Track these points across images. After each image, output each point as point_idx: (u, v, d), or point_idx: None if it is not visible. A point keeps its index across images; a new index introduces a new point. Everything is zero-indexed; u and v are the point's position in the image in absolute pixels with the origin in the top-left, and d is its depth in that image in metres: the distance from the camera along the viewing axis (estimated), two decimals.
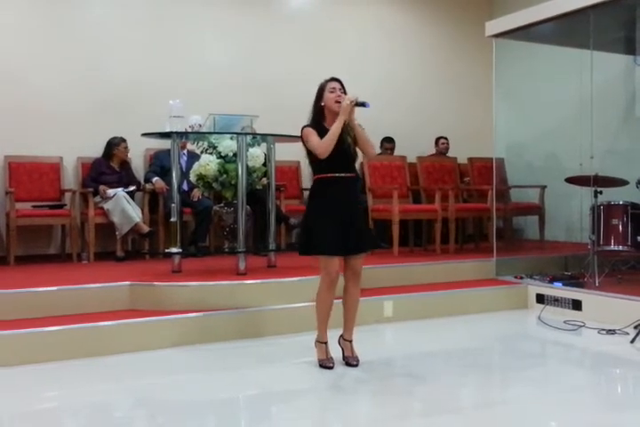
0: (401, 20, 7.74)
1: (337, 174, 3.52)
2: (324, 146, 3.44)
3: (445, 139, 7.43)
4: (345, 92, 3.54)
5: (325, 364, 3.60)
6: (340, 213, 3.50)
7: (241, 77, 6.75)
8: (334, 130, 3.43)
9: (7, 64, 5.95)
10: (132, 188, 5.90)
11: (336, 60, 7.04)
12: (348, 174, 3.56)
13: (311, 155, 3.55)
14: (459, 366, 3.80)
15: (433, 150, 7.45)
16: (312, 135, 3.49)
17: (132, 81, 6.35)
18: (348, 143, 3.51)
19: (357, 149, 3.62)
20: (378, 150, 7.06)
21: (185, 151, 6.10)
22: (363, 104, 3.47)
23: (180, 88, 6.20)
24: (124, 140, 6.02)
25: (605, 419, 2.98)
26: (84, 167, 6.11)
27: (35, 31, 6.09)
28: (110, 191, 5.73)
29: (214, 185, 4.98)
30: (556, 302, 5.08)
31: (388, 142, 7.17)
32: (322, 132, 3.48)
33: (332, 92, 3.52)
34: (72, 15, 6.24)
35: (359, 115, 3.56)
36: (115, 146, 6.00)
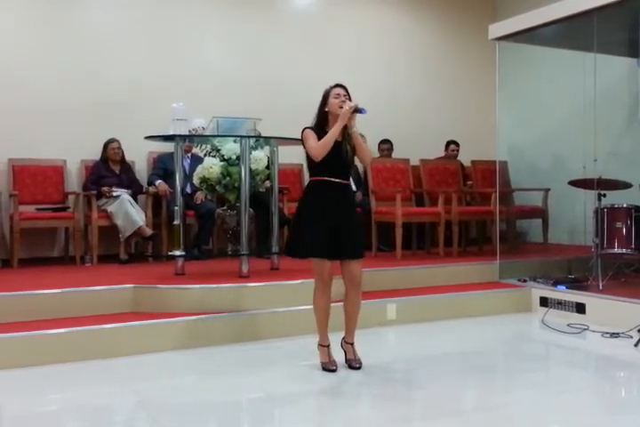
0: (402, 21, 7.74)
1: (331, 179, 3.53)
2: (320, 148, 3.45)
3: (456, 145, 7.32)
4: (350, 99, 3.55)
5: (328, 367, 3.60)
6: (329, 216, 3.50)
7: (241, 79, 6.75)
8: (331, 133, 3.45)
9: (10, 67, 5.96)
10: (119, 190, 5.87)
11: (337, 62, 7.07)
12: (342, 181, 3.57)
13: (309, 157, 3.56)
14: (461, 369, 3.80)
15: (437, 153, 7.41)
16: (311, 137, 3.51)
17: (134, 83, 6.36)
18: (346, 150, 3.53)
19: (355, 158, 3.63)
20: (376, 154, 7.07)
21: (189, 154, 6.10)
22: (360, 111, 3.48)
23: (181, 90, 6.21)
24: (113, 141, 6.02)
25: (608, 422, 2.97)
26: (87, 170, 6.12)
27: (36, 34, 6.10)
28: (115, 190, 5.75)
29: (217, 188, 4.98)
30: (560, 305, 5.07)
31: (384, 144, 7.16)
32: (323, 136, 3.49)
33: (336, 97, 3.53)
34: (73, 17, 6.26)
35: (360, 119, 3.56)
36: (105, 147, 6.03)
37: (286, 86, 6.84)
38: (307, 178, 6.86)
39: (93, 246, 5.78)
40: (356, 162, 3.76)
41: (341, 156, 3.52)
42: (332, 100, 3.54)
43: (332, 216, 3.51)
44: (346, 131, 3.51)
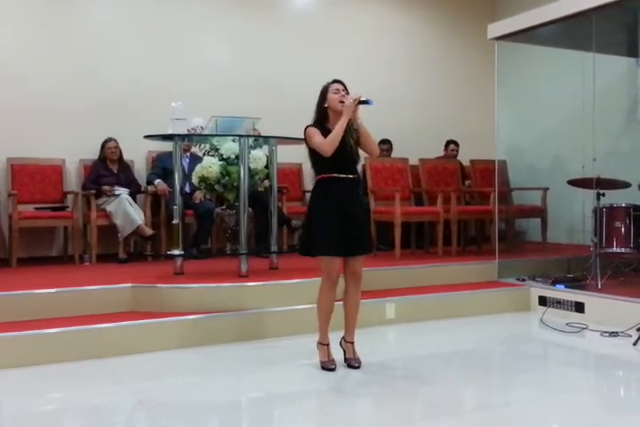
0: (403, 21, 7.75)
1: (339, 175, 3.52)
2: (329, 144, 3.43)
3: (456, 145, 7.33)
4: (348, 94, 3.54)
5: (327, 366, 3.60)
6: (340, 213, 3.50)
7: (241, 79, 6.76)
8: (338, 128, 3.43)
9: (9, 67, 5.97)
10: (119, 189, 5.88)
11: (337, 62, 7.06)
12: (350, 175, 3.56)
13: (314, 155, 3.55)
14: (461, 369, 3.80)
15: (436, 152, 7.42)
16: (315, 134, 3.49)
17: (134, 83, 6.36)
18: (350, 145, 3.51)
19: (359, 151, 3.62)
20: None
21: (187, 153, 6.10)
22: (366, 102, 3.45)
23: (181, 89, 6.21)
24: (110, 141, 6.02)
25: (607, 421, 2.97)
26: (86, 169, 6.12)
27: (36, 34, 6.10)
28: (116, 189, 5.76)
29: (216, 187, 4.99)
30: (559, 304, 5.07)
31: (383, 144, 7.16)
32: (325, 133, 3.48)
33: (335, 93, 3.52)
34: (73, 17, 6.26)
35: (361, 116, 3.55)
36: (102, 147, 6.03)
37: (286, 86, 6.84)
38: (305, 177, 6.97)
39: (92, 246, 5.78)
40: None
41: (345, 150, 3.50)
42: (332, 96, 3.53)
43: (341, 213, 3.50)
44: (349, 125, 3.49)
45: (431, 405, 3.19)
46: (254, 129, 5.05)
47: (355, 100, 3.43)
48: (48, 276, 5.09)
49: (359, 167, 6.65)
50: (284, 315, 4.40)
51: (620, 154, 6.15)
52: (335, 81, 3.58)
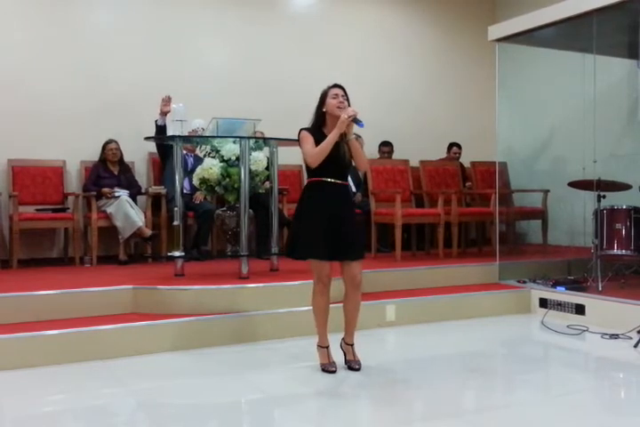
0: (402, 22, 7.76)
1: (329, 179, 3.52)
2: (315, 156, 3.44)
3: (459, 148, 7.35)
4: (348, 99, 3.54)
5: (327, 368, 3.60)
6: (327, 217, 3.49)
7: (242, 80, 6.76)
8: (327, 141, 3.43)
9: (9, 68, 5.97)
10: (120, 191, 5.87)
11: (337, 63, 7.08)
12: (340, 181, 3.56)
13: None
14: (461, 371, 3.80)
15: (437, 154, 7.40)
16: (306, 141, 3.49)
17: (134, 84, 6.36)
18: (344, 151, 3.51)
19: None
20: (376, 155, 7.09)
21: (192, 153, 6.10)
22: (357, 122, 3.44)
23: (182, 91, 6.18)
24: (111, 142, 6.02)
25: (608, 423, 2.97)
26: (86, 171, 6.12)
27: (36, 35, 6.11)
28: (117, 190, 5.76)
29: (217, 189, 4.98)
30: (559, 306, 5.07)
31: (385, 146, 7.18)
32: (320, 138, 3.48)
33: (334, 98, 3.51)
34: (74, 19, 6.26)
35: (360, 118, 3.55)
36: (103, 148, 6.03)
37: (286, 87, 6.85)
38: (306, 179, 6.94)
39: (93, 247, 5.78)
40: None
41: (339, 157, 3.50)
42: (330, 101, 3.52)
43: (329, 217, 3.49)
44: (342, 135, 3.48)
45: (431, 407, 3.19)
46: (258, 132, 5.04)
47: (349, 117, 3.42)
48: (49, 277, 5.08)
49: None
50: (285, 317, 4.39)
51: (620, 156, 6.14)
52: (335, 85, 3.57)
